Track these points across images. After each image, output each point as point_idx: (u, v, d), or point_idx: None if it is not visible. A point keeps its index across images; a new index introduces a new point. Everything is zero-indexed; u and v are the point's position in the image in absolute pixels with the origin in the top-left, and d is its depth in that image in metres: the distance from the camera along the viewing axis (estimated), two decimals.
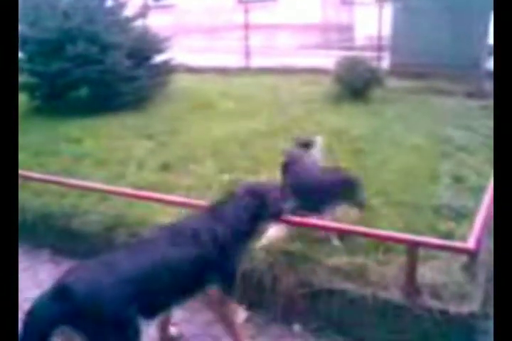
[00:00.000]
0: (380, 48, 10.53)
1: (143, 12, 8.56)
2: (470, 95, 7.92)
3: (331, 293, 3.08)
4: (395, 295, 2.98)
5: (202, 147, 5.62)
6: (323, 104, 7.65)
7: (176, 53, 9.01)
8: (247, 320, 3.17)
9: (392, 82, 8.44)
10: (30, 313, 2.15)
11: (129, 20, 8.40)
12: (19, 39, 6.89)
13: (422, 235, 3.02)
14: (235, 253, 2.74)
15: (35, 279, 3.68)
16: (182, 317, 3.18)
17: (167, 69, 8.74)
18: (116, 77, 7.48)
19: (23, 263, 3.82)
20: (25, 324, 2.12)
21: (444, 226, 3.55)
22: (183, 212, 3.55)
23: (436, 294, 2.94)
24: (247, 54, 11.82)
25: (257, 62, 11.34)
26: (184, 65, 10.32)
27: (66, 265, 3.36)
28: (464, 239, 2.95)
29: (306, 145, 4.00)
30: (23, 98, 7.68)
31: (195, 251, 2.56)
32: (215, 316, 2.91)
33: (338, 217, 3.44)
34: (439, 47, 8.76)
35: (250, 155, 5.24)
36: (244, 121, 6.69)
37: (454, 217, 3.69)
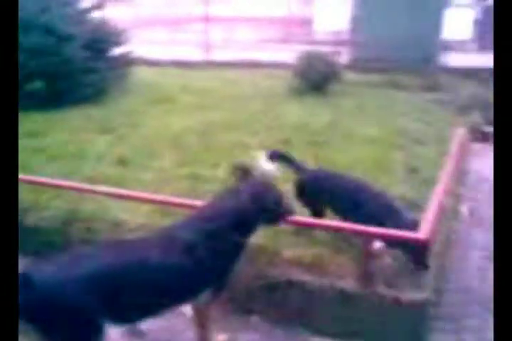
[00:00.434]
0: (339, 43, 10.63)
1: (100, 3, 8.39)
2: (426, 89, 8.12)
3: (289, 284, 3.13)
4: (351, 284, 3.05)
5: (161, 140, 5.58)
6: (284, 98, 7.70)
7: (136, 46, 8.88)
8: None
9: (351, 76, 8.58)
10: None
11: (86, 11, 8.22)
12: None
13: None
14: (230, 258, 2.55)
15: None
16: None
17: (126, 61, 8.61)
18: (73, 69, 7.30)
19: None
20: None
21: None
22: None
23: (389, 283, 3.03)
24: (208, 47, 11.74)
25: (218, 55, 11.28)
26: (144, 58, 10.17)
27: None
28: None
29: (246, 171, 3.86)
30: None
31: (185, 258, 2.35)
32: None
33: None
34: (396, 43, 8.93)
35: (210, 149, 5.23)
36: (205, 114, 6.66)
37: (407, 207, 3.78)
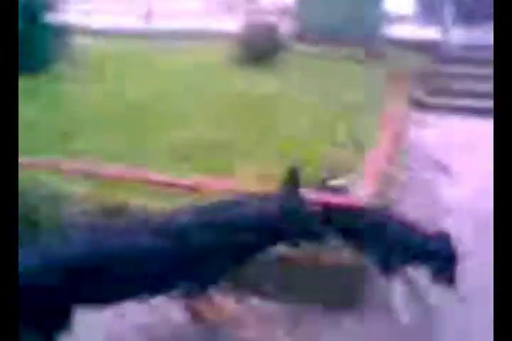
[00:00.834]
0: (285, 13, 10.49)
1: None
2: (369, 60, 8.16)
3: None
4: None
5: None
6: (228, 68, 7.55)
7: (74, 15, 8.43)
8: None
9: (297, 47, 8.52)
10: None
11: None
12: None
13: None
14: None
15: None
16: None
17: (64, 30, 8.16)
18: None
19: None
20: None
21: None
22: None
23: None
24: (149, 16, 11.37)
25: (160, 25, 10.92)
26: (83, 27, 9.70)
27: None
28: None
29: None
30: None
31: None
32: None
33: None
34: (341, 14, 8.92)
35: (141, 122, 5.05)
36: (145, 86, 6.43)
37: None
